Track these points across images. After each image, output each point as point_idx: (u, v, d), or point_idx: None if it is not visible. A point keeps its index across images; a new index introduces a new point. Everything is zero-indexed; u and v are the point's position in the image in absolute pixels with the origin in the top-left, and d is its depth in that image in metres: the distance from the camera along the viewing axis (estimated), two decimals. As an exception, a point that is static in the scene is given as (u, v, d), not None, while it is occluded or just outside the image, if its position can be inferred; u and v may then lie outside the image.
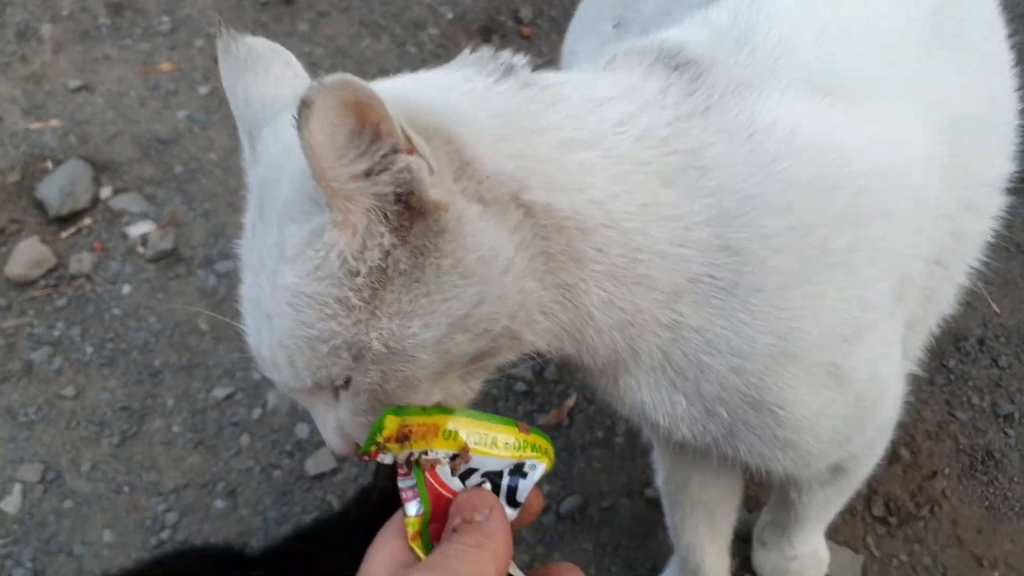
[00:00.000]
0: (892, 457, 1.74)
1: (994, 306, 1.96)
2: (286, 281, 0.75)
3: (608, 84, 0.88)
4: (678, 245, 0.86)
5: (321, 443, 1.79)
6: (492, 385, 0.80)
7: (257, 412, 1.84)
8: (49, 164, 2.24)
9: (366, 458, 0.72)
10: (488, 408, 1.80)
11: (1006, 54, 1.21)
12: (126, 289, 2.02)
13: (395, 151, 0.69)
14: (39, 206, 2.15)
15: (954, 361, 1.88)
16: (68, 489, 1.74)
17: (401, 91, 0.78)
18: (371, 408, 0.79)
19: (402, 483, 0.71)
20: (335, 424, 0.82)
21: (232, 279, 2.03)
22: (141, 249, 2.08)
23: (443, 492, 0.71)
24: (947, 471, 1.74)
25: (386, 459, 0.72)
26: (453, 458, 0.72)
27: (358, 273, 0.73)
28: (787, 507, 1.41)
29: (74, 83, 2.42)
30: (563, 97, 0.84)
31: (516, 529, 0.72)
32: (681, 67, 0.90)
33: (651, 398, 0.94)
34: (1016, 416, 1.80)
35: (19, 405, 1.85)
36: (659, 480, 1.44)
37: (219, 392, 1.87)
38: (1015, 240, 2.05)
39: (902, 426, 1.77)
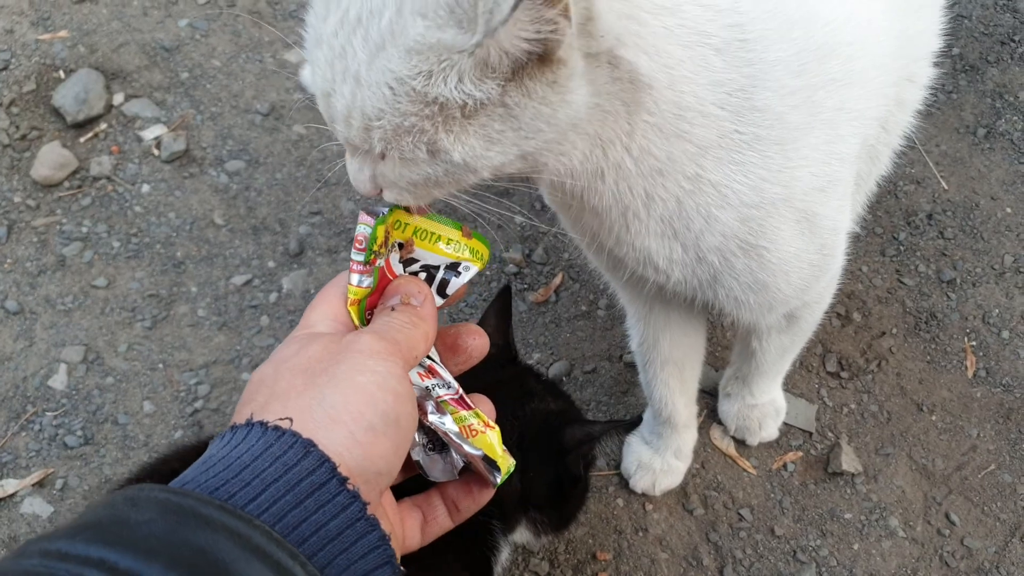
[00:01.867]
0: (845, 320, 1.94)
1: (943, 183, 2.13)
2: (393, 65, 0.79)
3: None
4: (719, 107, 0.98)
5: (333, 321, 1.98)
6: (486, 268, 0.91)
7: (273, 296, 2.03)
8: (61, 74, 2.37)
9: (375, 260, 0.79)
10: (484, 288, 2.03)
11: None
12: (145, 188, 2.18)
13: (550, 4, 0.75)
14: (56, 113, 2.29)
15: (904, 234, 2.07)
16: (108, 367, 1.94)
17: None
18: (412, 181, 0.87)
19: (355, 256, 0.79)
20: (371, 174, 0.89)
21: (242, 177, 2.19)
22: (156, 151, 2.24)
23: (387, 273, 0.80)
24: (894, 331, 1.94)
25: (381, 262, 0.79)
26: (400, 247, 0.81)
27: (469, 94, 0.80)
28: (748, 358, 1.60)
29: (78, -6, 2.53)
30: None
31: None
32: None
33: (656, 244, 1.10)
34: (958, 281, 1.99)
35: (56, 295, 2.03)
36: (633, 344, 1.63)
37: (238, 279, 2.05)
38: (964, 122, 2.22)
39: (855, 292, 1.98)
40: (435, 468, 0.79)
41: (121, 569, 0.49)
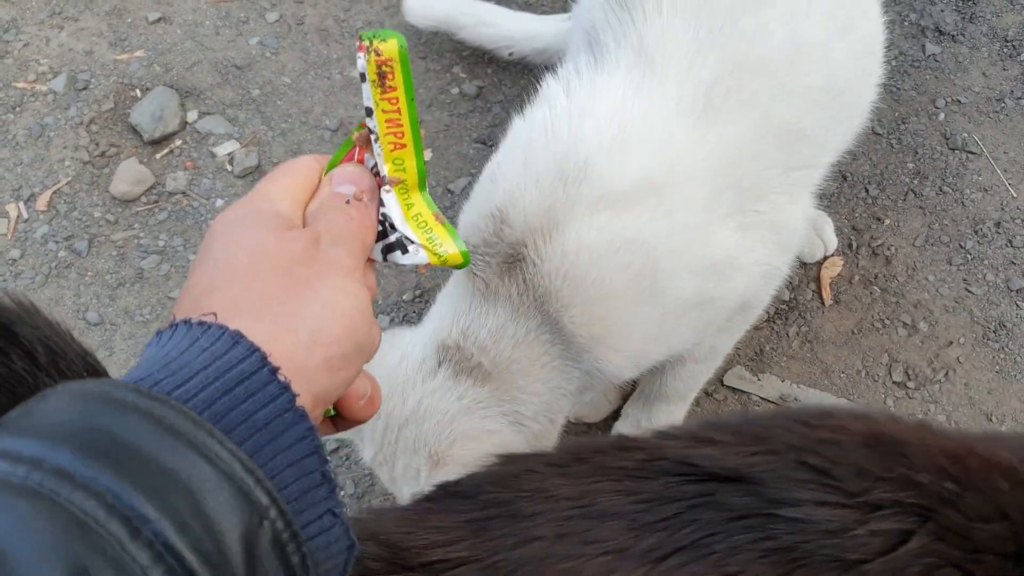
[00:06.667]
0: (911, 329, 1.93)
1: (1011, 191, 2.11)
2: None
3: None
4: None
5: (401, 331, 2.02)
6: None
7: (342, 307, 2.08)
8: (138, 92, 2.45)
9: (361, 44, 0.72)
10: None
11: None
12: (219, 203, 2.25)
13: None
14: (133, 130, 2.37)
15: (971, 242, 2.05)
16: (185, 377, 2.00)
17: None
18: None
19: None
20: None
21: (312, 190, 2.25)
22: (229, 167, 2.31)
23: (356, 154, 0.77)
24: (962, 340, 1.92)
25: (360, 59, 0.73)
26: (376, 174, 0.77)
27: None
28: (655, 374, 1.61)
29: (153, 16, 2.61)
30: None
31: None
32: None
33: None
34: (1028, 290, 1.97)
35: (135, 307, 2.11)
36: None
37: (308, 291, 2.10)
38: (1033, 129, 2.19)
39: (921, 302, 1.96)
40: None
41: (25, 457, 0.47)
